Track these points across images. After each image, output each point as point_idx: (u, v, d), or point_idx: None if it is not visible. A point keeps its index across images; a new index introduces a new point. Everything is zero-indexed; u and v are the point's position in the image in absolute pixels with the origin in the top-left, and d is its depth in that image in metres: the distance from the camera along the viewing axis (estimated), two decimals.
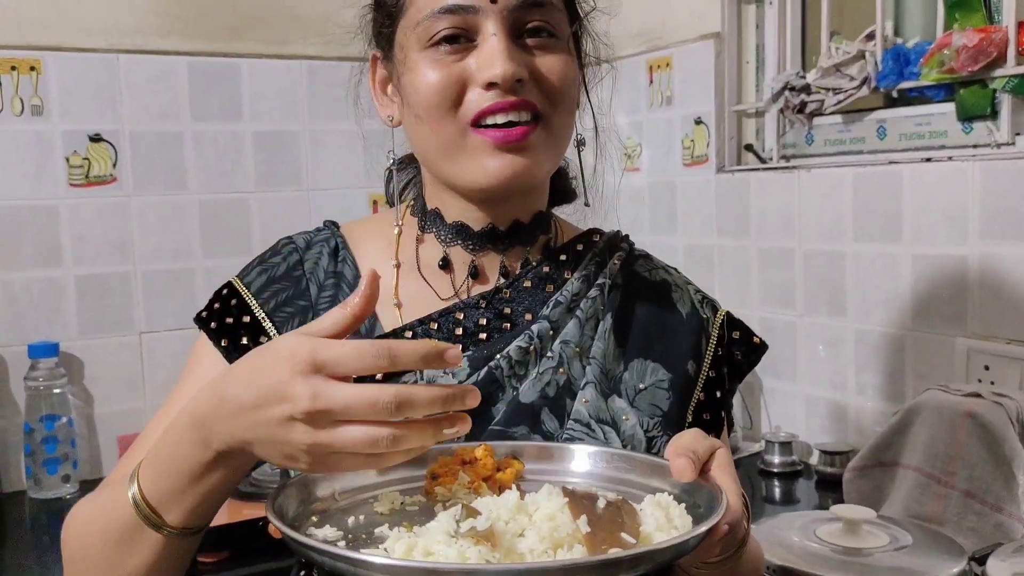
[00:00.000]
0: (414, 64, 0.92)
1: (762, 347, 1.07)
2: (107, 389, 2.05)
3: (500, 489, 0.80)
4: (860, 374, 1.85)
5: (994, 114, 1.63)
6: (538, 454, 0.86)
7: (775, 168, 2.05)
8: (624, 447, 0.92)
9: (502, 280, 0.99)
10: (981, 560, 1.22)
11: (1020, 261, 1.54)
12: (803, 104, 1.95)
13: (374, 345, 0.68)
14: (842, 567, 1.23)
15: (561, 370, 0.95)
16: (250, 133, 2.20)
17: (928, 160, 1.70)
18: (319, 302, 0.99)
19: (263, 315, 0.98)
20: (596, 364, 0.96)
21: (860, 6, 1.91)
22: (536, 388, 0.94)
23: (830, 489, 1.77)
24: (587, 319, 0.97)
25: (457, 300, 0.98)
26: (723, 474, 0.75)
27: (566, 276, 1.00)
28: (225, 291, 1.01)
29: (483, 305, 0.97)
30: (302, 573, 0.98)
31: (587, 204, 1.07)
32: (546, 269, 1.00)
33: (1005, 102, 1.62)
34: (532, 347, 0.95)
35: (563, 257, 1.02)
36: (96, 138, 2.03)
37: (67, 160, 2.00)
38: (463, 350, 0.95)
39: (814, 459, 1.89)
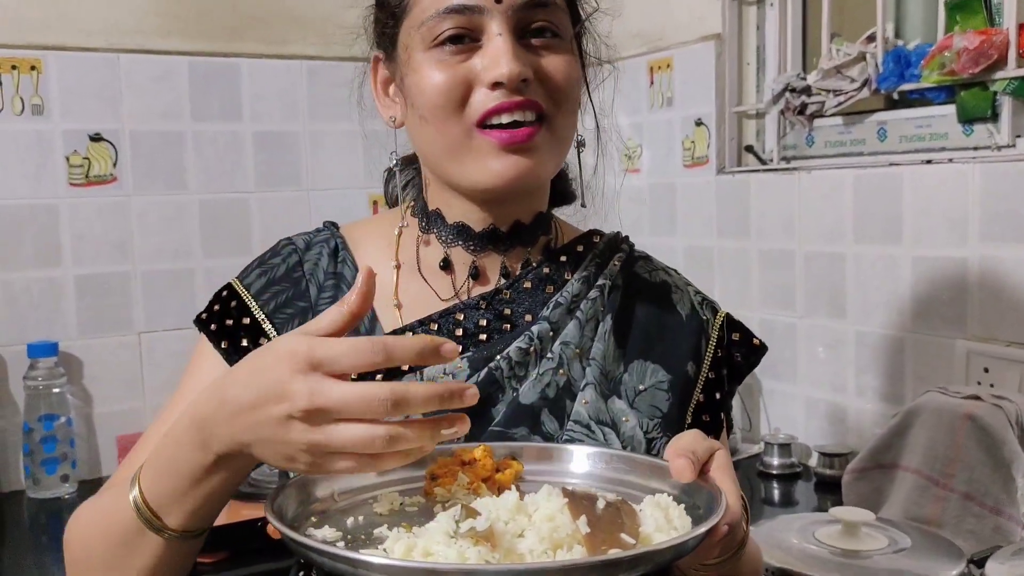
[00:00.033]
0: (418, 65, 0.92)
1: (762, 349, 1.07)
2: (106, 389, 2.05)
3: (499, 490, 0.80)
4: (860, 376, 1.85)
5: (995, 116, 1.63)
6: (537, 455, 0.86)
7: (775, 170, 2.05)
8: (624, 448, 0.92)
9: (503, 281, 0.99)
10: (980, 563, 1.22)
11: (1020, 263, 1.54)
12: (804, 106, 1.95)
13: (370, 341, 0.68)
14: (841, 569, 1.23)
15: (561, 371, 0.95)
16: (250, 133, 2.20)
17: (928, 162, 1.70)
18: (319, 303, 0.98)
19: (263, 316, 0.98)
20: (596, 365, 0.96)
21: (861, 8, 1.91)
22: (536, 389, 0.94)
23: (829, 491, 1.77)
24: (587, 320, 0.97)
25: (457, 301, 0.98)
26: (722, 475, 0.76)
27: (566, 277, 1.00)
28: (225, 293, 1.01)
29: (483, 306, 0.97)
30: (301, 574, 0.98)
31: (583, 205, 1.07)
32: (546, 270, 1.00)
33: (1006, 104, 1.62)
34: (532, 348, 0.95)
35: (563, 258, 1.02)
36: (96, 138, 2.03)
37: (67, 160, 2.00)
38: (463, 351, 0.95)
39: (813, 461, 1.89)
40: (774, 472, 1.89)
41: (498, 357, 0.94)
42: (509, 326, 0.97)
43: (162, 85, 2.09)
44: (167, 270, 2.11)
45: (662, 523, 0.71)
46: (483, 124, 0.90)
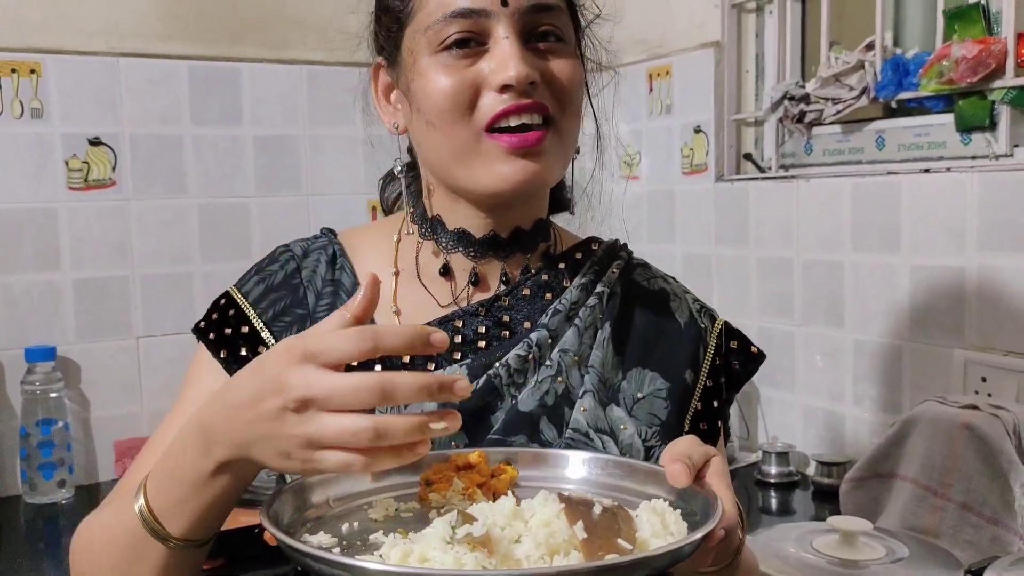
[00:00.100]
0: (424, 69, 0.91)
1: (760, 357, 1.07)
2: (104, 393, 2.05)
3: (495, 495, 0.80)
4: (857, 384, 1.85)
5: (992, 125, 1.64)
6: (533, 460, 0.86)
7: (774, 177, 2.05)
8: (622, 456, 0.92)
9: (503, 287, 0.99)
10: (977, 573, 1.22)
11: (1018, 273, 1.54)
12: (802, 114, 1.96)
13: (359, 328, 0.69)
14: None
15: (560, 379, 0.95)
16: (250, 137, 2.20)
17: (927, 171, 1.70)
18: (317, 310, 0.98)
19: (261, 325, 0.98)
20: (594, 373, 0.96)
21: (860, 16, 1.91)
22: (535, 397, 0.94)
23: (827, 500, 1.77)
24: (586, 328, 0.97)
25: (456, 308, 0.98)
26: (718, 482, 0.76)
27: (565, 284, 1.00)
28: (223, 301, 1.01)
29: (482, 313, 0.97)
30: None
31: (571, 212, 1.07)
32: (545, 277, 1.00)
33: (1004, 113, 1.62)
34: (531, 355, 0.95)
35: (562, 265, 1.02)
36: (95, 141, 2.03)
37: (66, 163, 2.00)
38: (462, 358, 0.95)
39: (811, 470, 1.89)
40: (772, 481, 1.89)
41: (497, 364, 0.94)
42: (508, 333, 0.97)
43: (162, 89, 2.09)
44: (166, 274, 2.11)
45: (658, 528, 0.71)
46: (491, 128, 0.90)
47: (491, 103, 0.89)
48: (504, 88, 0.89)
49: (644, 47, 2.32)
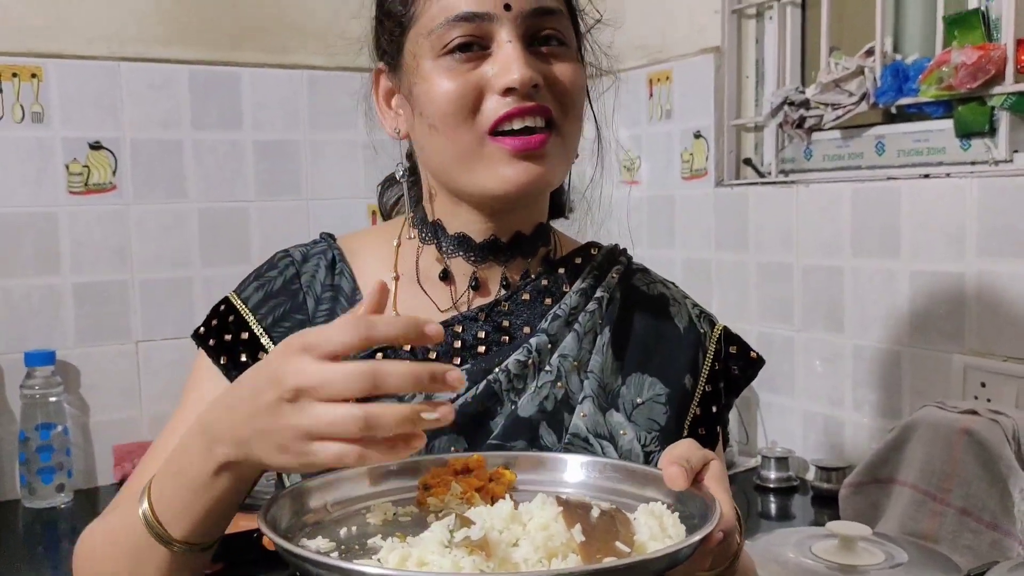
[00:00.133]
0: (427, 73, 0.92)
1: (759, 362, 1.07)
2: (103, 398, 2.04)
3: (493, 499, 0.80)
4: (857, 390, 1.85)
5: (992, 131, 1.64)
6: (531, 464, 0.86)
7: (774, 183, 2.05)
8: None
9: (503, 292, 0.99)
10: None
11: (1017, 278, 1.54)
12: (802, 119, 1.96)
13: (354, 317, 0.70)
14: None
15: (559, 384, 0.95)
16: (250, 142, 2.20)
17: (926, 176, 1.71)
18: (316, 315, 0.98)
19: (261, 331, 0.98)
20: (594, 378, 0.96)
21: (860, 22, 1.91)
22: (534, 402, 0.93)
23: (826, 505, 1.77)
24: (585, 333, 0.97)
25: (456, 313, 0.98)
26: (716, 486, 0.76)
27: (564, 289, 1.00)
28: (222, 307, 1.01)
29: (482, 318, 0.97)
30: None
31: (566, 217, 1.07)
32: (545, 282, 1.00)
33: (1003, 119, 1.62)
34: (530, 361, 0.95)
35: (562, 270, 1.02)
36: (96, 146, 2.03)
37: (67, 167, 2.00)
38: (461, 363, 0.95)
39: (810, 475, 1.89)
40: (771, 486, 1.89)
41: (496, 370, 0.94)
42: (508, 338, 0.97)
43: (162, 93, 2.09)
44: (166, 279, 2.11)
45: (656, 531, 0.71)
46: (494, 131, 0.90)
47: (494, 106, 0.90)
48: (507, 91, 0.89)
49: (644, 52, 2.32)
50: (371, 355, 0.69)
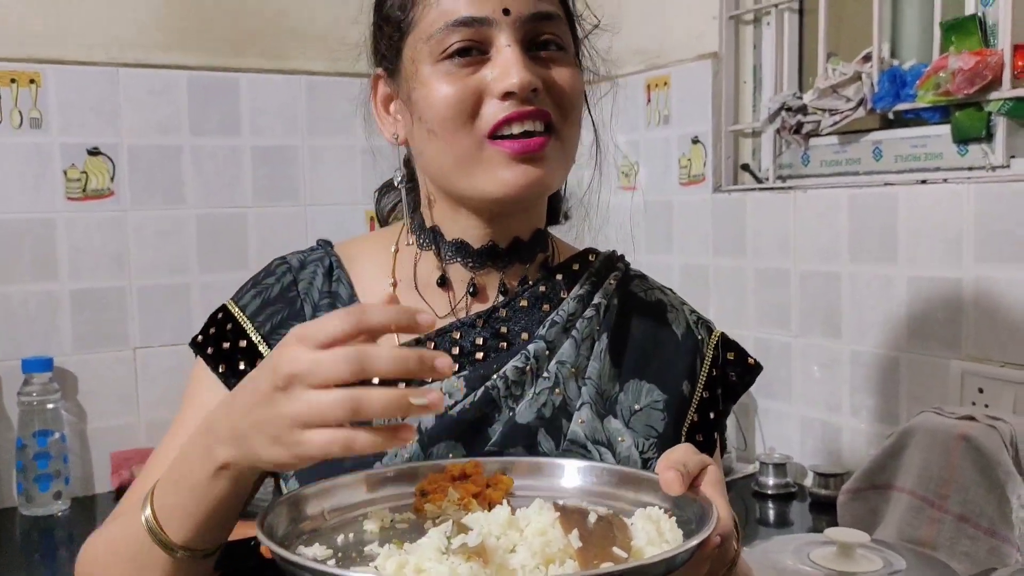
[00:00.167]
0: (426, 78, 0.92)
1: (757, 368, 1.07)
2: (101, 404, 2.04)
3: (490, 505, 0.80)
4: (855, 396, 1.84)
5: (989, 137, 1.64)
6: (528, 470, 0.86)
7: (771, 188, 2.05)
8: None
9: (501, 298, 0.99)
10: None
11: (1014, 284, 1.55)
12: (799, 125, 1.96)
13: (345, 308, 0.71)
14: None
15: (557, 390, 0.95)
16: (249, 148, 2.20)
17: (923, 182, 1.71)
18: None
19: (259, 338, 0.98)
20: (592, 384, 0.96)
21: (857, 28, 1.92)
22: (532, 409, 0.93)
23: (824, 512, 1.76)
24: (583, 339, 0.97)
25: (454, 319, 0.98)
26: (713, 491, 0.76)
27: (562, 296, 1.00)
28: (220, 315, 1.01)
29: (479, 324, 0.97)
30: None
31: (560, 222, 1.07)
32: (542, 288, 1.00)
33: (1000, 125, 1.63)
34: (528, 367, 0.95)
35: (559, 276, 1.02)
36: (94, 151, 2.03)
37: (65, 173, 2.00)
38: (459, 370, 0.95)
39: (808, 481, 1.89)
40: (769, 492, 1.89)
41: (494, 376, 0.94)
42: (505, 345, 0.97)
43: (161, 99, 2.10)
44: (163, 285, 2.11)
45: (654, 536, 0.71)
46: (493, 135, 0.90)
47: (493, 110, 0.90)
48: (507, 95, 0.89)
49: (642, 58, 2.33)
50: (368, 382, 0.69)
